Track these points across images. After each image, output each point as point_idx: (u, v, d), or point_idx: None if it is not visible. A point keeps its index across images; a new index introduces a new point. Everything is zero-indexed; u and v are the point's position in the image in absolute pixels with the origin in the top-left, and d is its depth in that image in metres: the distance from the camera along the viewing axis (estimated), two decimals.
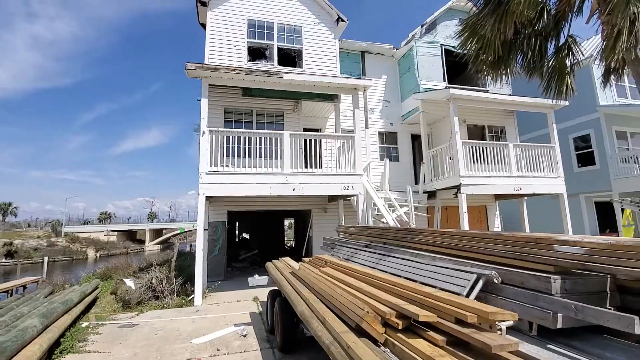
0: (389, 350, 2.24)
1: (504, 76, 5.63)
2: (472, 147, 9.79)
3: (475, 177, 9.48)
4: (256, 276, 5.47)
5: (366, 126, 12.08)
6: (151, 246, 68.35)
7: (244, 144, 8.17)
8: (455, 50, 12.43)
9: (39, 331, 4.10)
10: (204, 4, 9.94)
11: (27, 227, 71.84)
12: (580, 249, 2.25)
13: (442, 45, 12.46)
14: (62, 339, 4.82)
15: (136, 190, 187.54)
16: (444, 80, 12.14)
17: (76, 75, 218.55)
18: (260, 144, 8.25)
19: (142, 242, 69.41)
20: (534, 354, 1.99)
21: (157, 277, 7.64)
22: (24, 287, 27.72)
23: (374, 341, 2.32)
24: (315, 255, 5.33)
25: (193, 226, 79.06)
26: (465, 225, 9.05)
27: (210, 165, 7.75)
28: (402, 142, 12.62)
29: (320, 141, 9.46)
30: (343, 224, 10.04)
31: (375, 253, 4.58)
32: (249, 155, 8.13)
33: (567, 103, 9.63)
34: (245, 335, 5.04)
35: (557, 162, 10.23)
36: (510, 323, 2.32)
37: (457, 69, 12.81)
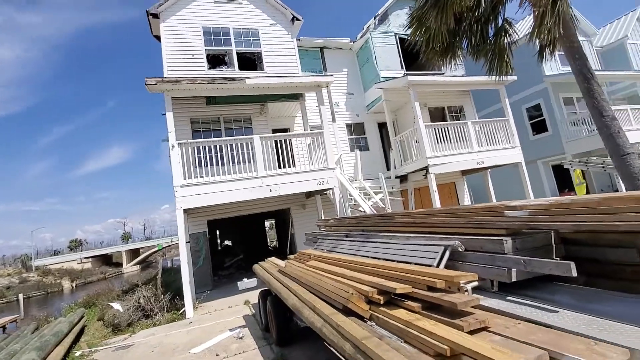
0: (374, 324, 2.51)
1: (452, 61, 6.04)
2: (435, 129, 10.30)
3: (441, 157, 10.01)
4: (245, 280, 5.62)
5: (333, 120, 12.35)
6: (129, 267, 65.94)
7: (215, 152, 8.19)
8: (408, 38, 13.02)
9: None
10: (155, 16, 9.78)
11: None
12: (525, 212, 2.61)
13: (396, 34, 12.90)
14: None
15: (106, 212, 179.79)
16: (402, 68, 12.61)
17: (26, 100, 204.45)
18: (231, 150, 8.32)
19: (120, 265, 66.80)
20: (495, 306, 2.33)
21: (144, 296, 7.60)
22: (4, 327, 26.32)
23: (361, 318, 2.58)
24: (300, 251, 5.55)
25: (171, 241, 77.18)
26: (437, 203, 9.57)
27: (185, 178, 7.76)
28: (370, 132, 13.02)
29: (290, 140, 9.66)
30: (322, 217, 10.32)
31: (355, 241, 4.87)
32: (222, 163, 8.18)
33: (515, 78, 10.35)
34: (242, 338, 5.21)
35: (513, 134, 10.97)
36: (475, 284, 2.66)
37: (413, 55, 13.31)
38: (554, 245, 2.68)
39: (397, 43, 12.86)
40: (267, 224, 27.45)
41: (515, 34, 5.29)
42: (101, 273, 59.93)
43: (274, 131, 10.81)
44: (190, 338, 5.71)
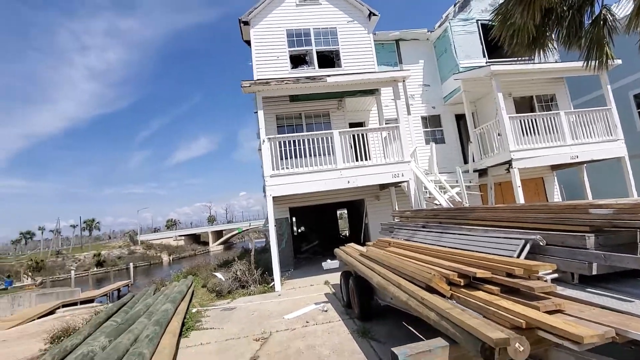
0: (455, 302, 2.91)
1: (542, 52, 5.83)
2: (520, 121, 9.76)
3: (527, 150, 9.49)
4: (328, 261, 6.32)
5: (408, 113, 12.42)
6: (214, 247, 73.62)
7: (299, 145, 9.02)
8: (493, 24, 12.30)
9: (173, 312, 5.33)
10: (246, 24, 10.94)
11: (108, 239, 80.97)
12: (610, 210, 2.72)
13: (477, 20, 12.30)
14: (184, 320, 6.09)
15: (194, 196, 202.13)
16: (484, 56, 12.03)
17: (130, 97, 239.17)
18: (312, 143, 9.08)
19: (206, 243, 74.94)
20: (572, 295, 2.56)
21: (240, 269, 8.88)
22: (119, 290, 31.76)
23: (442, 296, 3.00)
24: (379, 238, 6.04)
25: (249, 225, 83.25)
26: (520, 199, 9.17)
27: (273, 169, 8.76)
28: (447, 124, 12.76)
29: (366, 134, 10.09)
30: (396, 209, 10.62)
31: (432, 232, 5.20)
32: (304, 155, 9.00)
33: (619, 61, 9.24)
34: (326, 311, 5.94)
35: (615, 125, 9.83)
36: (555, 275, 2.88)
37: (497, 40, 12.60)
38: (639, 244, 2.76)
39: (479, 30, 12.27)
40: (338, 213, 28.39)
41: (616, 22, 4.91)
42: (192, 250, 68.02)
43: (351, 125, 11.36)
44: (281, 307, 6.65)
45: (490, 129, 10.41)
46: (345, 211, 22.08)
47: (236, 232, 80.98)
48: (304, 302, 6.80)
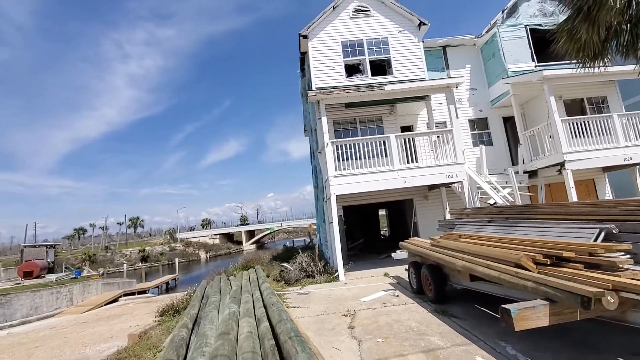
0: (544, 276, 3.60)
1: (602, 62, 6.31)
2: (572, 123, 10.06)
3: (579, 152, 9.78)
4: (398, 252, 7.06)
5: (456, 116, 12.90)
6: (247, 246, 75.99)
7: (356, 148, 9.86)
8: (541, 28, 12.58)
9: (271, 291, 6.33)
10: (305, 37, 11.93)
11: (149, 237, 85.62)
12: None
13: (526, 25, 12.62)
14: None
15: (224, 197, 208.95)
16: (533, 60, 12.34)
17: (166, 102, 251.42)
18: (369, 147, 9.87)
19: (239, 242, 77.51)
20: None
21: (305, 261, 9.82)
22: (167, 282, 33.87)
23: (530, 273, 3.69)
24: (447, 232, 6.73)
25: (281, 226, 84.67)
26: (573, 199, 9.48)
27: (335, 170, 9.64)
28: (494, 126, 13.13)
29: (413, 138, 10.75)
30: (447, 208, 11.20)
31: (500, 226, 5.85)
32: (360, 157, 9.81)
33: None
34: (397, 296, 6.70)
35: None
36: (628, 256, 3.50)
37: (543, 44, 12.88)
38: None
39: (527, 35, 12.58)
40: (379, 213, 28.96)
41: None
42: (227, 248, 70.65)
43: (401, 129, 12.05)
44: (352, 293, 7.48)
45: (542, 132, 10.75)
46: (384, 212, 22.67)
47: (268, 232, 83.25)
48: (372, 289, 7.59)
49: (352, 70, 12.29)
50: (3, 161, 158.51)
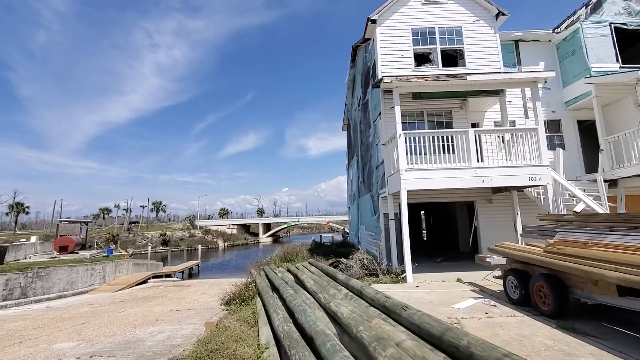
0: None
1: None
2: None
3: None
4: (494, 257, 6.40)
5: (526, 116, 12.01)
6: (264, 238, 76.25)
7: (429, 142, 9.17)
8: (626, 27, 11.55)
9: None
10: (374, 22, 11.27)
11: (168, 222, 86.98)
12: None
13: (610, 23, 11.60)
14: None
15: (239, 188, 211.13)
16: (617, 61, 11.32)
17: (190, 92, 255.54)
18: (439, 141, 9.16)
19: (256, 234, 77.82)
20: None
21: (367, 258, 9.22)
22: (191, 268, 34.00)
23: None
24: (563, 238, 5.98)
25: (298, 220, 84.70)
26: None
27: (407, 163, 8.98)
28: (567, 129, 12.18)
29: (480, 136, 9.94)
30: (518, 213, 10.38)
31: (631, 236, 5.09)
32: (431, 153, 9.11)
33: None
34: (495, 306, 6.01)
35: None
36: None
37: (625, 44, 11.90)
38: None
39: (611, 33, 11.57)
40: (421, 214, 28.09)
41: None
42: (244, 239, 71.05)
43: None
44: (434, 298, 6.81)
45: (630, 138, 9.78)
46: (425, 214, 21.84)
47: (285, 225, 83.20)
48: (456, 295, 6.92)
49: (421, 59, 11.55)
50: (35, 140, 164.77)
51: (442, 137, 9.21)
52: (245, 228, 79.64)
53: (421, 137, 9.28)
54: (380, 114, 11.25)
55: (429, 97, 10.71)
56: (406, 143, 9.08)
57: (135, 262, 23.24)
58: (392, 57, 11.21)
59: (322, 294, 5.34)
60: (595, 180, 10.72)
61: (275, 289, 7.10)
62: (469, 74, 9.13)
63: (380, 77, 10.96)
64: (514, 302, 6.06)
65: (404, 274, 8.56)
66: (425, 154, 9.18)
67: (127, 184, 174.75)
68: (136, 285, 20.59)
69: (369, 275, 8.96)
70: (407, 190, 9.19)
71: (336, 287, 6.31)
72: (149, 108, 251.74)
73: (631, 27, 11.70)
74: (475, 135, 9.02)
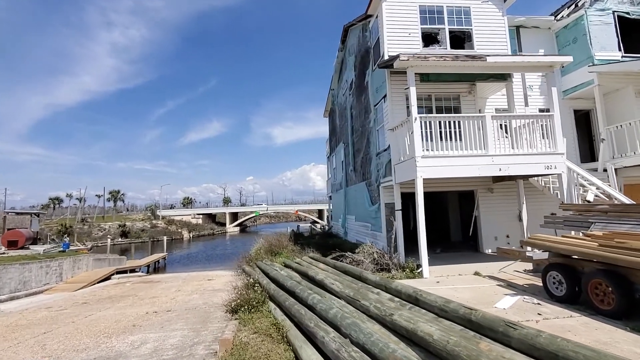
0: None
1: None
2: None
3: None
4: (536, 250, 5.91)
5: (526, 104, 11.78)
6: (231, 228, 73.97)
7: (443, 127, 8.52)
8: (629, 16, 11.55)
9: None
10: None
11: (127, 212, 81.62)
12: None
13: (614, 12, 11.54)
14: None
15: (202, 177, 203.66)
16: (620, 50, 11.31)
17: (148, 75, 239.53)
18: (453, 127, 8.55)
19: (222, 224, 75.29)
20: None
21: (377, 251, 8.48)
22: (157, 261, 31.81)
23: None
24: (613, 231, 5.56)
25: (266, 210, 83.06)
26: None
27: (423, 150, 8.27)
28: (564, 119, 11.92)
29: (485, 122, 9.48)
30: (524, 203, 10.12)
31: None
32: (445, 139, 8.48)
33: None
34: (539, 304, 5.50)
35: None
36: None
37: (623, 33, 11.95)
38: None
39: (615, 22, 11.52)
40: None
41: None
42: (210, 229, 68.37)
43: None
44: (465, 296, 6.20)
45: (635, 127, 9.77)
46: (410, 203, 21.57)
47: (253, 215, 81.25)
48: (487, 292, 6.37)
49: (428, 40, 10.81)
50: None
51: (455, 122, 8.58)
52: (211, 218, 76.74)
53: (434, 122, 8.60)
54: (385, 96, 10.43)
55: (436, 79, 9.98)
56: (422, 128, 8.35)
57: (96, 257, 20.98)
58: (399, 35, 10.37)
59: (364, 301, 4.47)
60: (596, 169, 10.74)
61: (287, 290, 6.13)
62: (488, 55, 8.52)
63: (386, 56, 10.11)
64: (558, 299, 5.58)
65: (420, 269, 7.93)
66: (439, 140, 8.52)
67: (78, 172, 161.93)
68: (98, 282, 18.54)
69: (380, 271, 8.24)
70: (427, 179, 8.48)
71: (369, 289, 5.48)
72: (102, 90, 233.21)
73: (633, 16, 11.73)
74: (492, 121, 8.50)
